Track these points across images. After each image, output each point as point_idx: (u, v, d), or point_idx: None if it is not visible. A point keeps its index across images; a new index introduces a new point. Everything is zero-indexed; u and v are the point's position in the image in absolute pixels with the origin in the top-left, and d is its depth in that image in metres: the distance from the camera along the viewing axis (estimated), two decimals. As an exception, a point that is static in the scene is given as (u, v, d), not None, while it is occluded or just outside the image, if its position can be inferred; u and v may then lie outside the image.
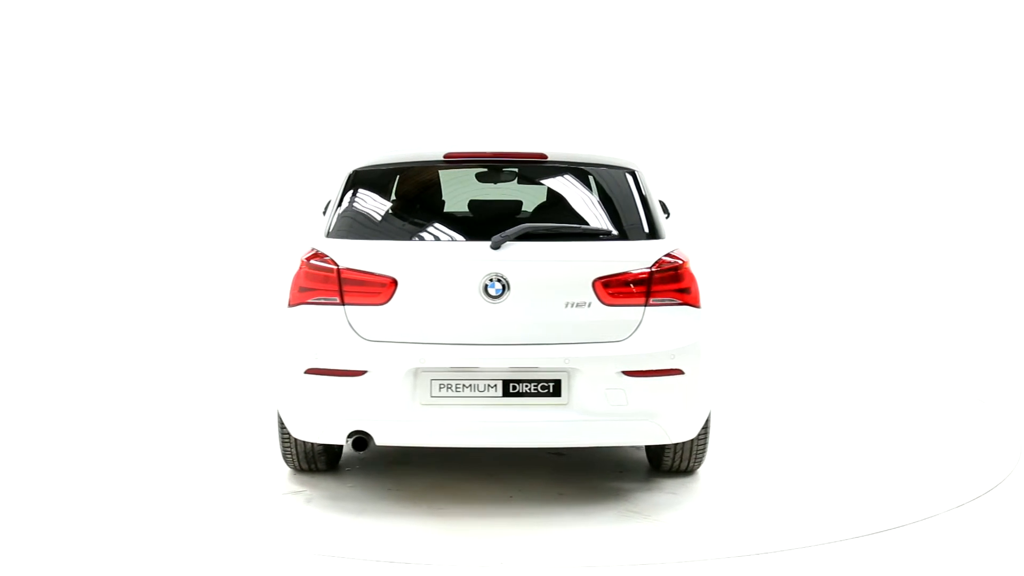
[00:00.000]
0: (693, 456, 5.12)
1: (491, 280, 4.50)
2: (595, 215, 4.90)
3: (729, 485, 5.15)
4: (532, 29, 12.47)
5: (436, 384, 4.44)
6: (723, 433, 6.07)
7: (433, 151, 5.02)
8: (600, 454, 5.59)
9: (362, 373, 4.45)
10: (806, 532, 4.46)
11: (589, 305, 4.52)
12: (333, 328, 4.53)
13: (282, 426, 5.02)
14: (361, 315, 4.53)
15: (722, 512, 4.75)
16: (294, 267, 4.76)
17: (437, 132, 11.62)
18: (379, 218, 4.88)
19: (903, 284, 11.74)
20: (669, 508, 4.76)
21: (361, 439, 4.52)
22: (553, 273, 4.55)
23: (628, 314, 4.54)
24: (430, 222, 4.99)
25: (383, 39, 12.48)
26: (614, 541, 4.34)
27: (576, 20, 12.50)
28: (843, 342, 10.02)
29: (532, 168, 5.12)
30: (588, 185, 5.02)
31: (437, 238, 4.82)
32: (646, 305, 4.55)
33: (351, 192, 4.92)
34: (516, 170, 5.15)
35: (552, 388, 4.44)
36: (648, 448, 5.32)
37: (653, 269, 4.59)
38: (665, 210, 6.31)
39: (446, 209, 5.49)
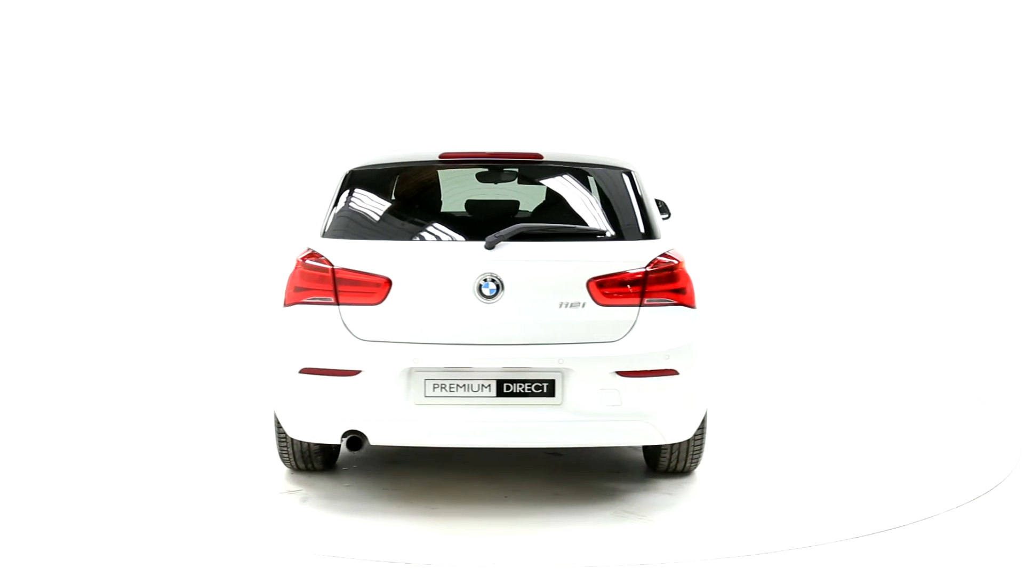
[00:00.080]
0: (690, 457, 5.06)
1: (485, 280, 4.46)
2: (591, 215, 4.86)
3: (726, 486, 5.10)
4: (530, 28, 12.40)
5: (430, 384, 4.41)
6: (721, 434, 6.01)
7: (429, 151, 4.97)
8: (597, 454, 5.54)
9: (356, 373, 4.42)
10: (802, 533, 4.41)
11: (583, 305, 4.47)
12: (327, 328, 4.51)
13: (278, 426, 4.99)
14: (355, 315, 4.50)
15: (717, 513, 4.70)
16: (290, 267, 4.73)
17: (434, 132, 11.56)
18: (375, 218, 4.84)
19: (903, 284, 11.66)
20: (664, 509, 4.71)
21: (355, 439, 4.49)
22: (547, 273, 4.50)
23: (622, 314, 4.49)
24: (426, 222, 4.95)
25: (380, 39, 12.41)
26: (608, 541, 4.29)
27: (574, 20, 12.43)
28: (842, 342, 9.95)
29: (528, 168, 5.07)
30: (584, 185, 4.97)
31: (433, 238, 4.77)
32: (640, 305, 4.50)
33: (347, 192, 4.88)
34: (516, 170, 5.10)
35: (546, 388, 4.40)
36: (645, 449, 5.27)
37: (647, 269, 4.54)
38: (666, 210, 6.27)
39: (444, 209, 5.45)
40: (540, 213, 5.15)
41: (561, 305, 4.46)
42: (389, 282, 4.49)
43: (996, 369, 8.50)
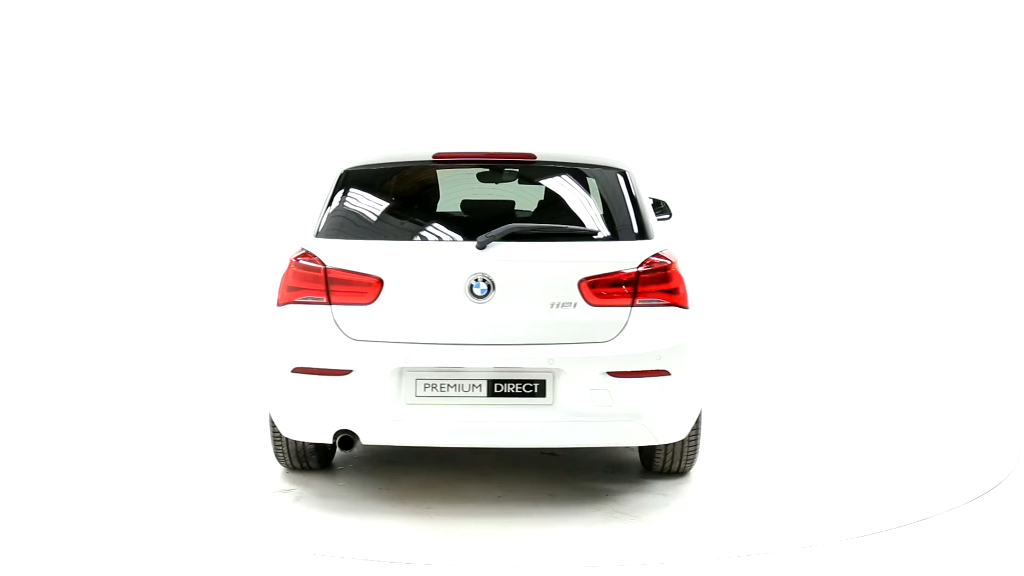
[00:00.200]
0: (684, 457, 4.98)
1: (476, 280, 4.40)
2: (584, 215, 4.78)
3: (721, 486, 5.01)
4: (529, 27, 12.31)
5: (421, 384, 4.34)
6: (719, 434, 5.93)
7: (423, 151, 4.90)
8: (593, 455, 5.46)
9: (347, 372, 4.37)
10: (798, 533, 4.34)
11: (574, 305, 4.40)
12: (319, 327, 4.45)
13: (273, 425, 4.93)
14: (347, 314, 4.44)
15: (710, 513, 4.62)
16: (285, 266, 4.67)
17: (431, 132, 11.47)
18: (369, 218, 4.78)
19: (902, 284, 11.55)
20: (657, 509, 4.63)
21: (347, 438, 4.44)
22: (538, 273, 4.44)
23: (614, 315, 4.41)
24: (420, 222, 4.89)
25: (377, 39, 12.33)
26: (600, 542, 4.22)
27: (574, 19, 12.32)
28: (842, 342, 9.84)
29: (522, 168, 4.99)
30: (578, 185, 4.90)
31: (426, 238, 4.70)
32: (632, 306, 4.42)
33: (342, 192, 4.82)
34: (517, 170, 5.02)
35: (537, 388, 4.33)
36: (640, 449, 5.20)
37: (639, 269, 4.46)
38: (667, 210, 6.17)
39: (443, 209, 5.37)
40: (534, 213, 5.07)
41: (552, 305, 4.39)
42: (381, 282, 4.44)
43: (996, 369, 8.40)
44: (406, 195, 5.04)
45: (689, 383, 4.50)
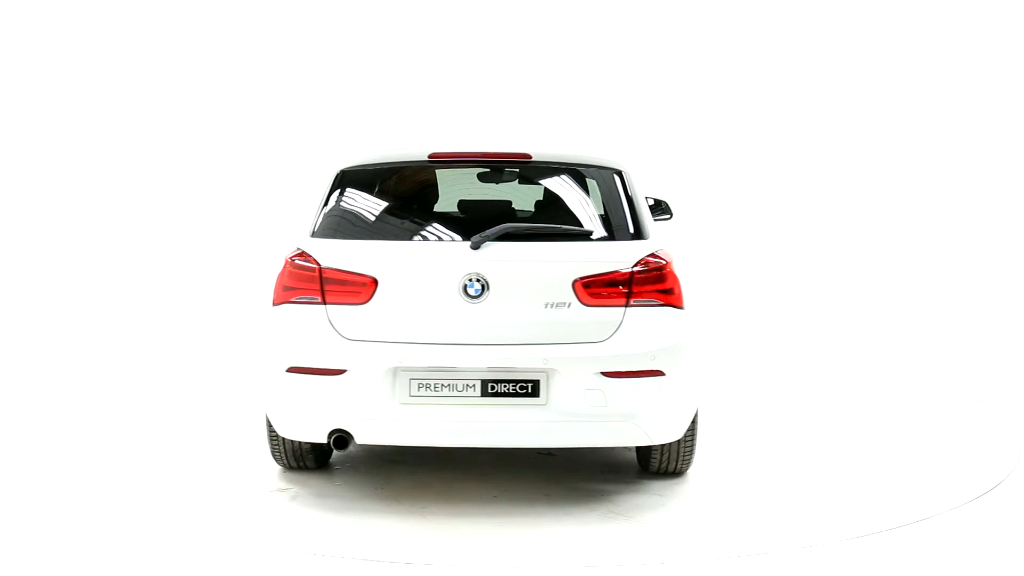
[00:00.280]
0: (681, 458, 4.92)
1: (470, 280, 4.35)
2: (579, 215, 4.72)
3: (718, 487, 4.95)
4: (527, 26, 12.23)
5: (415, 383, 4.30)
6: (717, 435, 5.87)
7: (419, 151, 4.85)
8: (590, 455, 5.41)
9: (342, 372, 4.33)
10: (795, 533, 4.28)
11: (569, 305, 4.34)
12: (314, 327, 4.42)
13: (270, 424, 4.89)
14: (342, 314, 4.40)
15: (705, 514, 4.56)
16: (281, 266, 4.62)
17: (428, 132, 11.39)
18: (364, 218, 4.73)
19: (902, 284, 11.46)
20: (653, 510, 4.58)
21: (342, 437, 4.40)
22: (532, 273, 4.39)
23: (608, 315, 4.35)
24: (416, 222, 4.84)
25: (373, 39, 12.25)
26: (594, 542, 4.17)
27: (573, 19, 12.25)
28: (842, 342, 9.76)
29: (517, 168, 4.93)
30: (573, 185, 4.84)
31: (422, 238, 4.65)
32: (627, 306, 4.37)
33: (338, 191, 4.78)
34: (517, 170, 4.96)
35: (531, 388, 4.28)
36: (637, 450, 5.14)
37: (633, 270, 4.40)
38: (668, 210, 6.11)
39: (441, 209, 5.32)
40: (530, 213, 5.01)
41: (546, 305, 4.34)
42: (375, 282, 4.40)
43: (996, 369, 8.32)
44: (402, 195, 4.99)
45: (684, 383, 4.44)
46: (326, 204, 4.75)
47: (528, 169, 4.96)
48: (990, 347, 9.30)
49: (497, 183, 5.11)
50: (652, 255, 4.47)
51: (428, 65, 12.24)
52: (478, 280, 4.34)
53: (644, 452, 5.02)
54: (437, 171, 5.21)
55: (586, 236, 4.61)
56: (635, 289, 4.37)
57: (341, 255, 4.46)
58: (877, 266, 11.68)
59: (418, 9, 12.22)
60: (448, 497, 4.71)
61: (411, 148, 4.93)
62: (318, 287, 4.44)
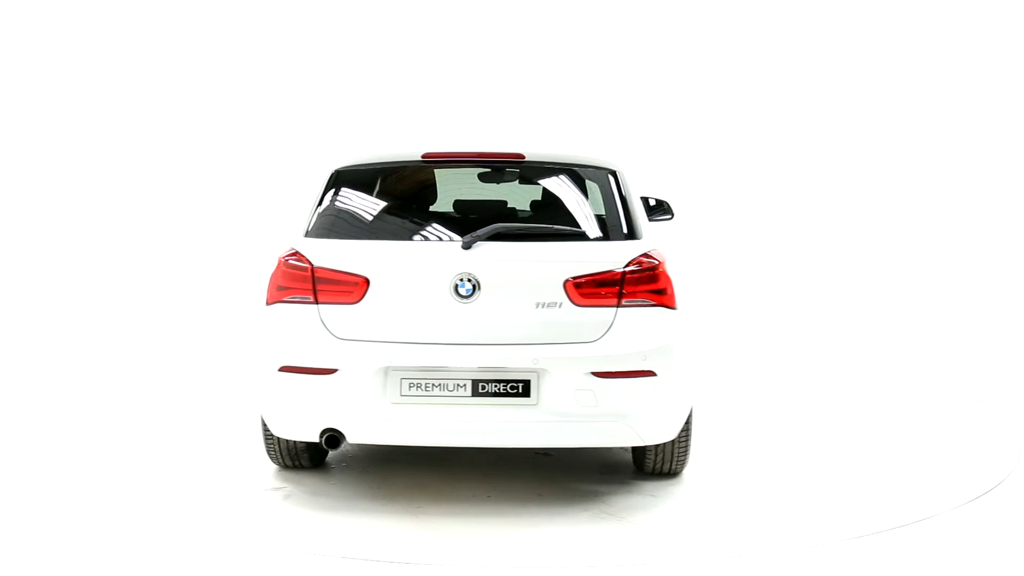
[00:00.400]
0: (675, 458, 4.84)
1: (461, 280, 4.29)
2: (572, 215, 4.65)
3: (712, 487, 4.87)
4: (526, 26, 12.13)
5: (406, 383, 4.24)
6: (716, 435, 5.79)
7: (412, 151, 4.79)
8: (587, 456, 5.33)
9: (333, 371, 4.27)
10: (790, 534, 4.21)
11: (560, 305, 4.27)
12: (306, 326, 4.37)
13: (265, 423, 4.81)
14: (334, 314, 4.35)
15: (699, 514, 4.49)
16: (274, 266, 4.58)
17: (423, 132, 11.27)
18: (358, 218, 4.67)
19: (902, 284, 11.34)
20: (644, 510, 4.50)
21: (333, 436, 4.34)
22: (523, 273, 4.32)
23: (600, 315, 4.28)
24: (409, 222, 4.78)
25: (369, 39, 12.16)
26: (584, 542, 4.11)
27: (574, 19, 12.15)
28: (842, 342, 9.65)
29: (510, 168, 4.86)
30: (567, 185, 4.78)
31: (415, 238, 4.58)
32: (618, 306, 4.29)
33: (332, 191, 4.72)
34: (517, 170, 4.89)
35: (521, 388, 4.22)
36: (633, 450, 5.05)
37: (625, 270, 4.32)
38: (669, 211, 6.02)
39: (439, 209, 5.24)
40: (523, 213, 4.96)
41: (538, 305, 4.28)
42: (367, 281, 4.34)
43: (996, 369, 8.21)
44: (396, 195, 4.93)
45: (676, 384, 4.36)
46: (320, 204, 4.69)
47: (524, 169, 4.89)
48: (990, 347, 9.19)
49: (498, 183, 5.06)
50: (645, 255, 4.39)
51: (424, 65, 12.15)
52: (469, 280, 4.28)
53: (639, 453, 4.94)
54: (436, 171, 5.14)
55: (579, 236, 4.54)
56: (627, 289, 4.30)
57: (333, 255, 4.41)
58: (877, 266, 11.57)
59: (414, 9, 12.13)
60: (442, 497, 4.65)
61: (405, 148, 4.86)
62: (310, 287, 4.38)
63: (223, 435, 5.82)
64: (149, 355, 8.58)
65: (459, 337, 4.26)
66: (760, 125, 12.13)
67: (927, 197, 11.70)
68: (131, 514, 4.44)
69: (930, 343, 9.42)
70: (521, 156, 4.69)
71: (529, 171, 4.89)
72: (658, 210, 5.85)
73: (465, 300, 4.27)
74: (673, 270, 4.47)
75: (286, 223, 4.97)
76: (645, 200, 5.72)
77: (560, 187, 4.78)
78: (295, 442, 4.87)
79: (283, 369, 4.34)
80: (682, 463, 4.90)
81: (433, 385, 4.22)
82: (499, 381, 4.21)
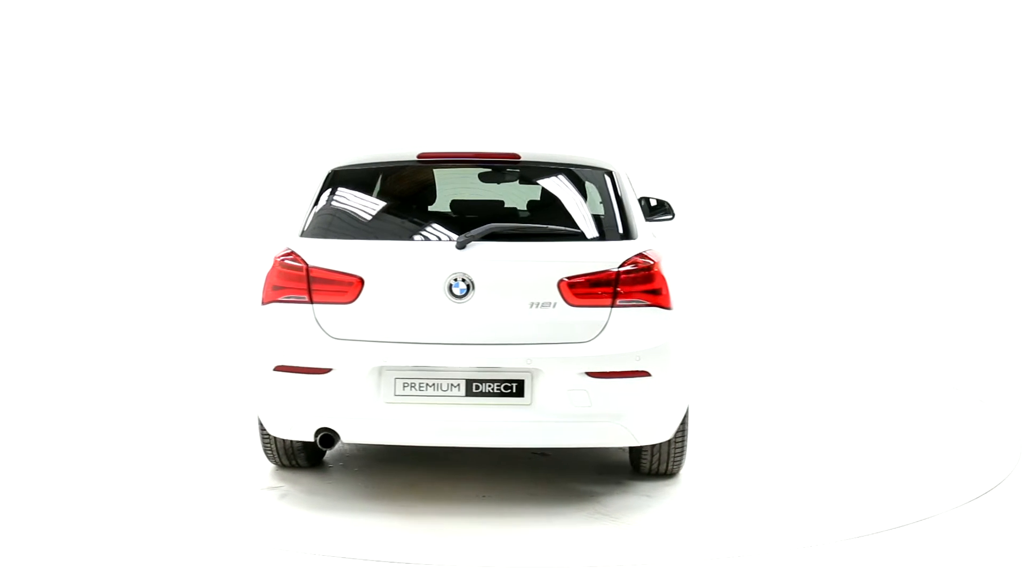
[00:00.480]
0: (671, 459, 4.79)
1: (456, 280, 4.25)
2: (568, 215, 4.60)
3: (709, 488, 4.82)
4: (526, 26, 12.07)
5: (400, 383, 4.20)
6: (714, 436, 5.74)
7: (408, 151, 4.75)
8: (583, 456, 5.29)
9: (327, 371, 4.24)
10: (787, 534, 4.16)
11: (554, 305, 4.23)
12: (301, 326, 4.34)
13: (261, 423, 4.78)
14: (328, 313, 4.32)
15: (693, 515, 4.44)
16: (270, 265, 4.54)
17: (420, 132, 11.22)
18: (355, 218, 4.64)
19: (902, 284, 11.28)
20: (639, 511, 4.45)
21: (328, 436, 4.31)
22: (518, 273, 4.28)
23: (594, 315, 4.23)
24: (406, 222, 4.74)
25: (366, 39, 12.11)
26: (577, 543, 4.06)
27: (575, 18, 12.09)
28: (842, 341, 9.60)
29: (507, 168, 4.81)
30: (567, 185, 4.73)
31: (411, 238, 4.54)
32: (612, 306, 4.24)
33: (328, 191, 4.69)
34: (518, 171, 4.85)
35: (515, 388, 4.18)
36: (630, 451, 5.01)
37: (619, 270, 4.27)
38: (670, 211, 5.96)
39: (437, 208, 5.20)
40: (519, 213, 4.92)
41: (532, 305, 4.23)
42: (361, 281, 4.31)
43: (996, 369, 8.15)
44: (392, 195, 4.88)
45: (671, 384, 4.32)
46: (316, 204, 4.67)
47: (521, 169, 4.84)
48: (990, 347, 9.13)
49: (499, 183, 5.02)
50: (640, 255, 4.34)
51: (421, 65, 12.10)
52: (463, 280, 4.24)
53: (635, 453, 4.89)
54: (436, 171, 5.10)
55: (574, 236, 4.49)
56: (622, 289, 4.25)
57: (328, 255, 4.38)
58: (876, 266, 11.51)
59: (411, 9, 12.07)
60: (438, 497, 4.61)
61: (402, 148, 4.83)
62: (305, 286, 4.35)
63: (220, 434, 5.79)
64: (146, 354, 8.56)
65: (453, 337, 4.22)
66: (760, 126, 12.08)
67: (927, 197, 11.64)
68: (128, 513, 4.41)
69: (930, 343, 9.37)
70: (517, 156, 4.65)
71: (527, 171, 4.85)
72: (659, 210, 5.80)
73: (459, 300, 4.23)
74: (668, 270, 4.43)
75: (282, 223, 4.93)
76: (646, 200, 5.68)
77: (558, 187, 4.74)
78: (292, 441, 4.84)
79: (278, 369, 4.31)
80: (678, 463, 4.85)
81: (427, 385, 4.18)
82: (493, 381, 4.17)
